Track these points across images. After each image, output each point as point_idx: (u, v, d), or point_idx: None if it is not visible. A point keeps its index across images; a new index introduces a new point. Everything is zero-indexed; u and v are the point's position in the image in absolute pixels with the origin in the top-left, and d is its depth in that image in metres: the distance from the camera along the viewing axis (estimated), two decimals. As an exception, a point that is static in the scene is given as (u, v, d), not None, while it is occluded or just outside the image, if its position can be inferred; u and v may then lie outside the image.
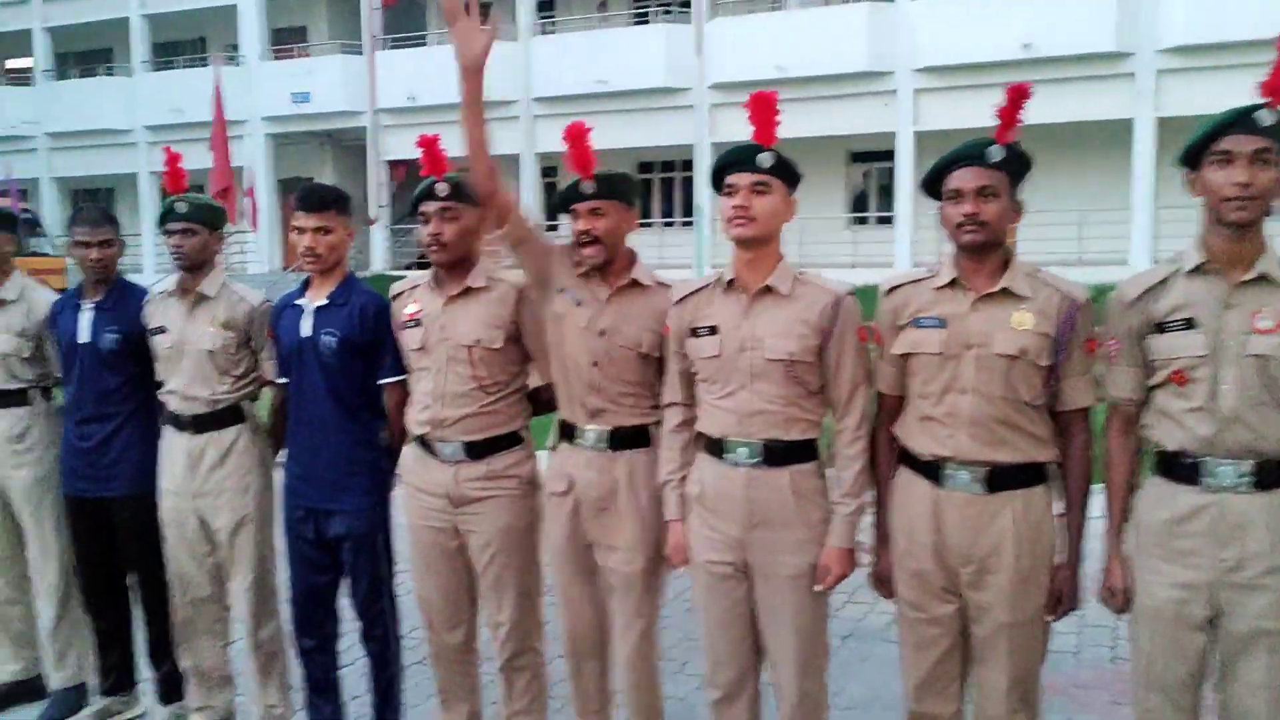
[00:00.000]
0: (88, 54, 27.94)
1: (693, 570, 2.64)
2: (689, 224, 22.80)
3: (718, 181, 2.54)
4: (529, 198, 21.44)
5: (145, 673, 3.69)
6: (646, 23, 22.11)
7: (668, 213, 22.81)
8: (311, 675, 3.28)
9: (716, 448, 2.53)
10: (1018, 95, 2.36)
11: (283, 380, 3.17)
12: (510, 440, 2.88)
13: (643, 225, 22.87)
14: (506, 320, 2.85)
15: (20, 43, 27.29)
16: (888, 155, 20.79)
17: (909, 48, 18.45)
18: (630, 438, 2.74)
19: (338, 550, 3.13)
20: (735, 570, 2.55)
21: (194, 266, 3.24)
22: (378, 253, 23.36)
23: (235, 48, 25.30)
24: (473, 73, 2.78)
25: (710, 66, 19.46)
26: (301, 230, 3.01)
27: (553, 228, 23.33)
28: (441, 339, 2.84)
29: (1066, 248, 17.01)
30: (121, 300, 3.42)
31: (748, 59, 18.54)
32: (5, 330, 3.54)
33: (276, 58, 24.24)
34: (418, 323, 2.89)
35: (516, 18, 21.77)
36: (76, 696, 3.73)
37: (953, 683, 2.48)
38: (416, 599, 3.07)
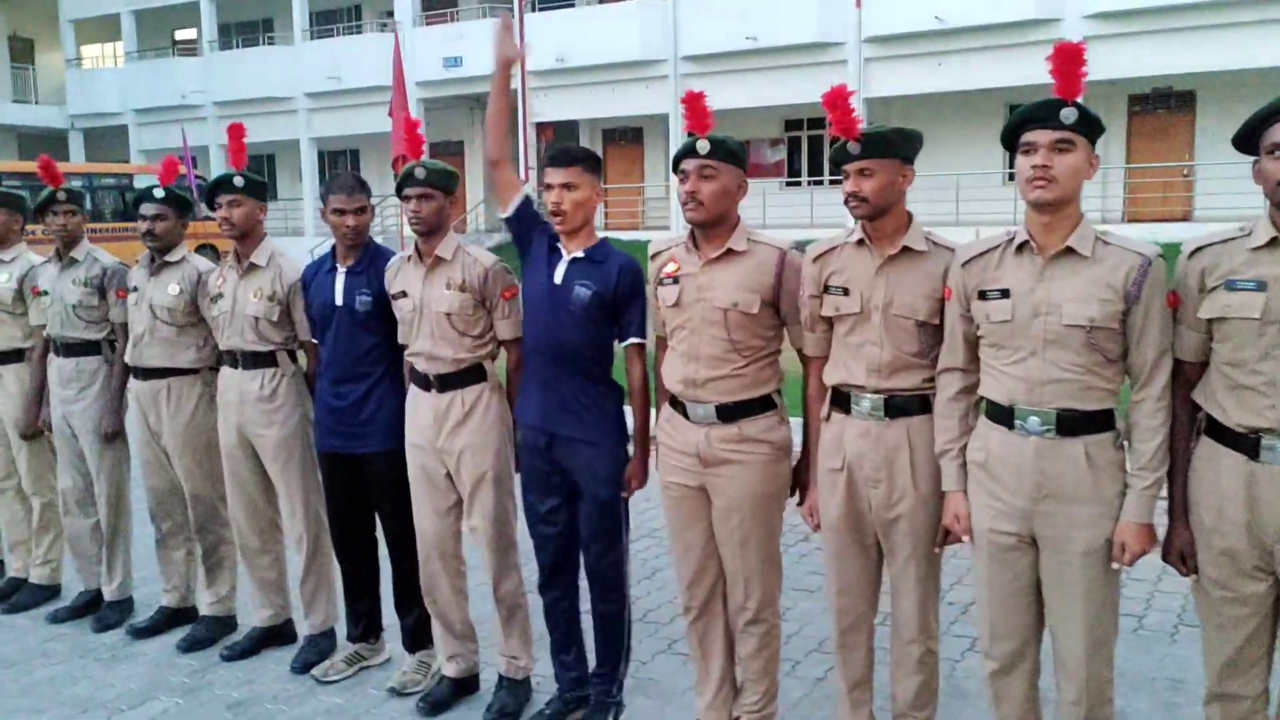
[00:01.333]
0: (249, 24, 29.06)
1: (974, 540, 2.57)
2: (838, 182, 22.35)
3: (1012, 139, 2.43)
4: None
5: (390, 620, 3.86)
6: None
7: (815, 171, 22.38)
8: (555, 627, 3.37)
9: (1004, 415, 2.45)
10: None
11: (515, 338, 3.25)
12: (762, 405, 2.86)
13: (790, 184, 22.60)
14: (766, 285, 2.81)
15: (188, 14, 28.58)
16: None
17: (1078, -7, 17.54)
18: (906, 406, 2.68)
19: (578, 505, 3.18)
20: (1020, 541, 2.48)
21: (430, 231, 3.33)
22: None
23: (390, 14, 25.90)
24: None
25: (864, 19, 18.89)
26: (549, 186, 3.07)
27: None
28: (698, 299, 2.83)
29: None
30: (373, 264, 3.54)
31: (906, 10, 17.96)
32: (256, 294, 3.72)
33: (428, 23, 24.69)
34: (675, 280, 2.89)
35: (665, -25, 21.62)
36: (326, 641, 3.93)
37: (1259, 663, 2.36)
38: (671, 556, 3.10)
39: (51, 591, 4.58)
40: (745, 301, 2.80)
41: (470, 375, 3.33)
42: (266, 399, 3.76)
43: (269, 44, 28.01)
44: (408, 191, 3.29)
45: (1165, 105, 19.13)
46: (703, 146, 2.77)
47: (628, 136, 24.63)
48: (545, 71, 22.63)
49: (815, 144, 22.57)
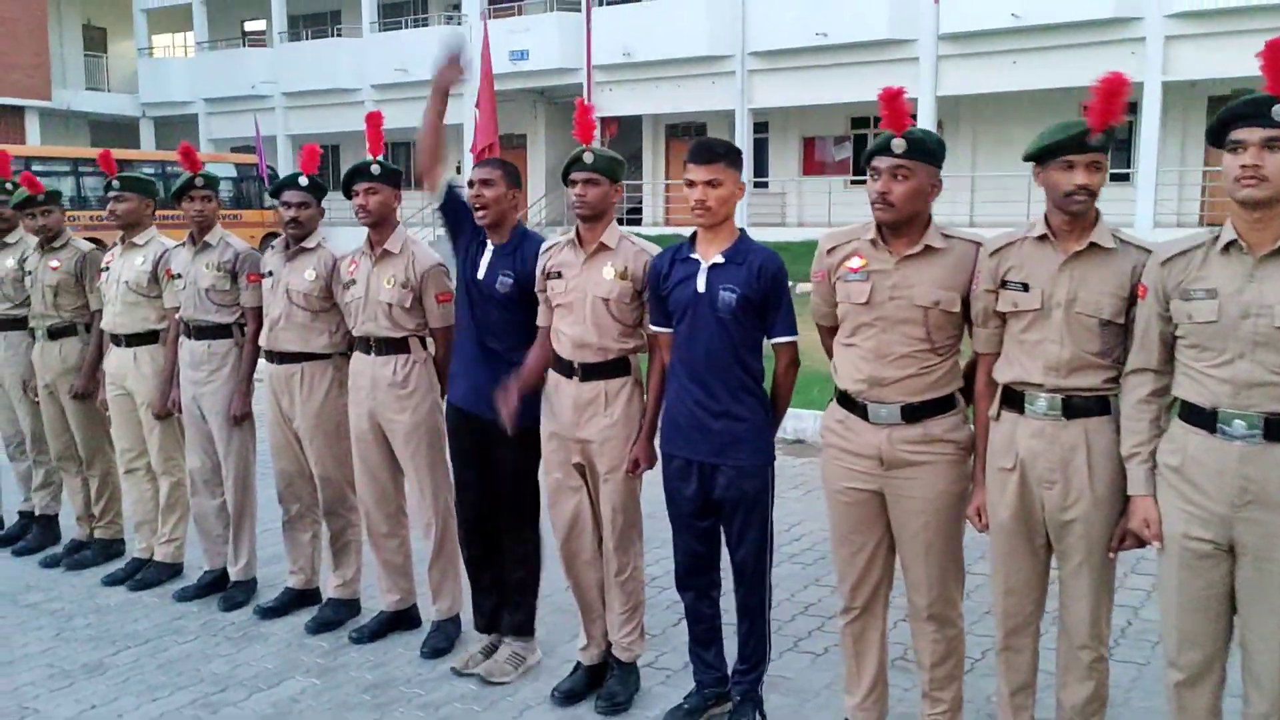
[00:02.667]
0: (317, 16, 29.38)
1: (1164, 546, 2.51)
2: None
3: (1219, 137, 2.37)
4: (745, 149, 21.22)
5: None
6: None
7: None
8: (693, 626, 3.35)
9: (1205, 419, 2.39)
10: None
11: (666, 330, 3.20)
12: (947, 404, 2.81)
13: (855, 183, 22.41)
14: (963, 283, 2.76)
15: (257, 5, 28.97)
16: (1127, 108, 19.57)
17: (1158, -8, 17.20)
18: (1085, 406, 2.62)
19: (720, 506, 3.16)
20: (1216, 549, 2.41)
21: (595, 216, 3.31)
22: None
23: (456, 8, 26.06)
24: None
25: (942, 15, 18.66)
26: (693, 183, 3.02)
27: (761, 183, 23.10)
28: (891, 297, 2.79)
29: None
30: (520, 246, 3.54)
31: (981, 7, 17.72)
32: (390, 281, 3.74)
33: (494, 16, 24.78)
34: (865, 276, 2.84)
35: (734, -30, 21.54)
36: (453, 627, 3.95)
37: None
38: (834, 563, 3.07)
39: (175, 570, 4.66)
40: (947, 300, 2.75)
41: (616, 367, 3.33)
42: (399, 385, 3.78)
43: (336, 35, 28.29)
44: (574, 176, 3.28)
45: (1246, 107, 18.69)
46: (898, 145, 2.70)
47: (691, 132, 24.55)
48: (611, 66, 22.66)
49: (881, 142, 22.34)
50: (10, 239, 4.93)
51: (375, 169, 3.76)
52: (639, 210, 24.55)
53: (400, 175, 3.88)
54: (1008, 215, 18.76)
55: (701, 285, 3.05)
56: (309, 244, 4.02)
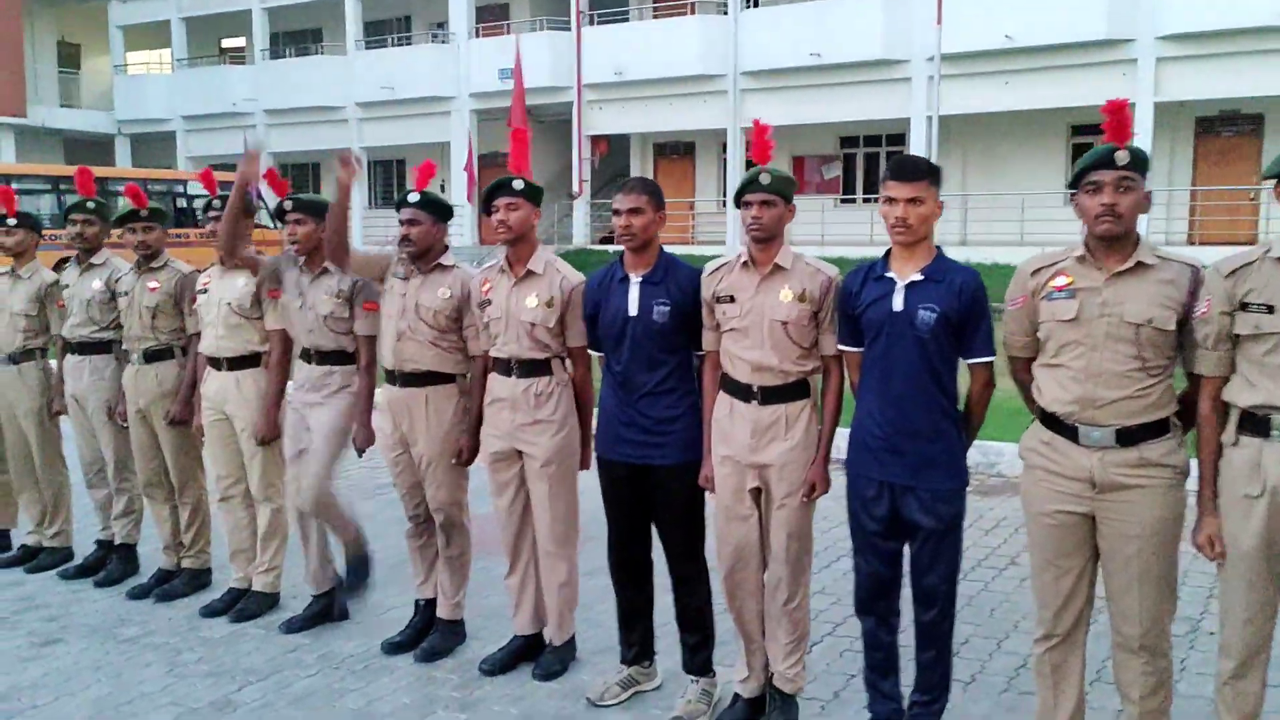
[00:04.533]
0: (298, 33, 29.15)
1: None
2: (890, 200, 22.27)
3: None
4: (736, 168, 21.34)
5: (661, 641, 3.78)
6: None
7: (871, 189, 22.32)
8: (870, 653, 3.28)
9: None
10: None
11: (855, 350, 3.16)
12: (1162, 427, 2.77)
13: (844, 201, 22.55)
14: (1179, 302, 2.73)
15: (237, 22, 28.68)
16: (1116, 128, 19.87)
17: (1150, 13, 17.50)
18: None
19: (912, 530, 3.09)
20: None
21: (770, 238, 3.25)
22: (578, 227, 23.69)
23: (441, 25, 25.97)
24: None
25: (929, 38, 18.83)
26: (893, 200, 2.97)
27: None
28: (1101, 314, 2.75)
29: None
30: (670, 273, 3.46)
31: (974, 28, 17.92)
32: (534, 301, 3.65)
33: (482, 35, 24.74)
34: (1072, 294, 2.79)
35: (725, -10, 21.69)
36: (568, 651, 3.90)
37: None
38: (1034, 588, 3.01)
39: (272, 600, 4.51)
40: (1161, 318, 2.70)
41: (796, 390, 3.27)
42: (539, 408, 3.69)
43: (319, 53, 28.08)
44: (750, 197, 3.22)
45: (1233, 128, 19.08)
46: (1122, 157, 2.67)
47: (679, 150, 24.64)
48: (602, 85, 22.68)
49: (871, 161, 22.54)
50: (96, 259, 4.77)
51: (518, 184, 3.67)
52: (627, 229, 24.51)
53: (541, 193, 3.79)
54: (998, 235, 19.02)
55: (899, 304, 3.00)
56: (446, 261, 3.92)
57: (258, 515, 4.45)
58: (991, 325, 3.04)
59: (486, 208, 3.73)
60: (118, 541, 4.95)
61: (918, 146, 19.77)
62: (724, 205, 22.19)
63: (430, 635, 4.09)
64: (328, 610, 4.34)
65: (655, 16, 23.61)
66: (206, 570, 4.80)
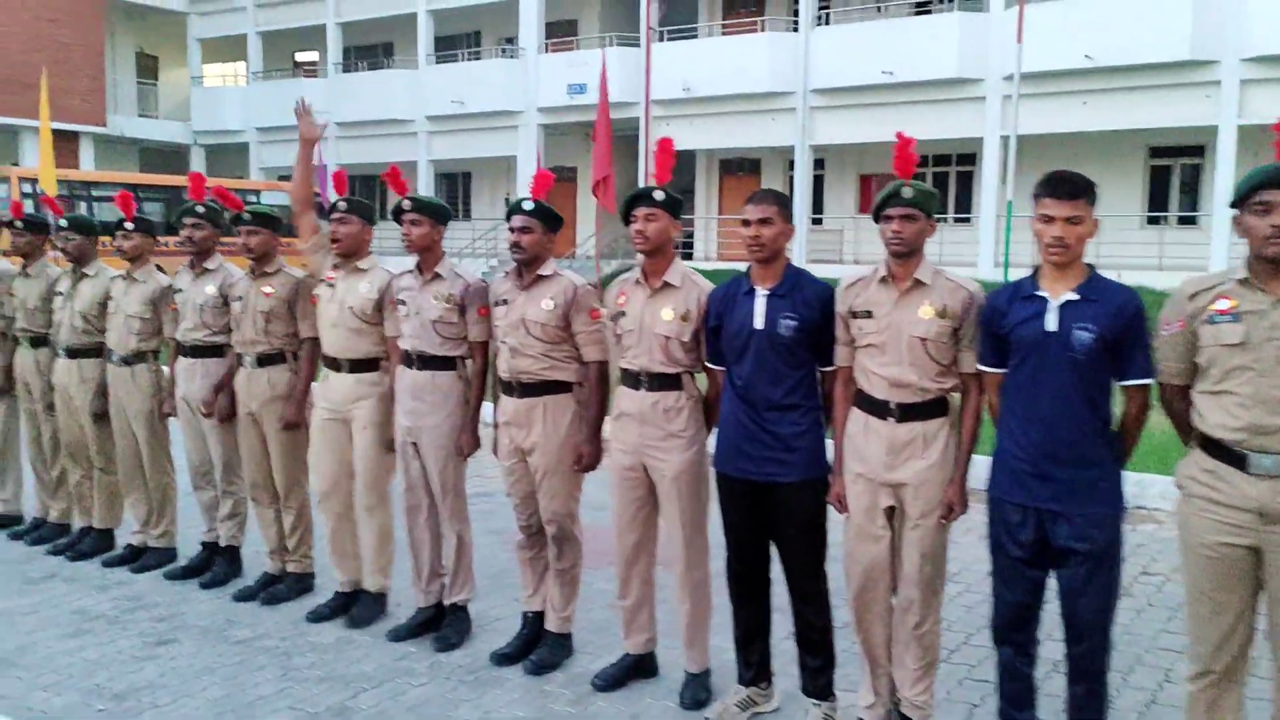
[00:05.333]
0: (368, 48, 29.60)
1: None
2: (962, 220, 22.05)
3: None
4: (801, 189, 21.23)
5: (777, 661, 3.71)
6: (929, 12, 21.52)
7: (939, 208, 22.05)
8: (1007, 684, 3.17)
9: None
10: None
11: (996, 370, 3.09)
12: None
13: (913, 220, 22.26)
14: None
15: (311, 36, 29.21)
16: (1195, 151, 19.47)
17: (1236, 35, 17.12)
18: None
19: (1062, 557, 2.98)
20: None
21: (911, 252, 3.19)
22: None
23: (510, 41, 26.22)
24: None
25: (1011, 55, 18.56)
26: (1050, 219, 2.88)
27: (817, 219, 23.01)
28: (1272, 338, 2.64)
29: None
30: (798, 286, 3.40)
31: (1054, 47, 17.61)
32: (670, 314, 3.60)
33: (552, 50, 24.91)
34: (1237, 317, 2.70)
35: (799, 9, 21.63)
36: (708, 680, 3.78)
37: None
38: (1189, 622, 2.90)
39: (381, 603, 4.50)
40: None
41: (933, 408, 3.19)
42: (669, 422, 3.64)
43: (388, 67, 28.49)
44: (890, 211, 3.15)
45: (1319, 151, 18.57)
46: None
47: (745, 167, 24.58)
48: (669, 100, 22.68)
49: (939, 180, 22.30)
50: (209, 264, 4.83)
51: (659, 194, 3.62)
52: (690, 245, 24.51)
53: (681, 204, 3.75)
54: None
55: (1052, 323, 2.91)
56: (544, 271, 3.90)
57: (368, 520, 4.45)
58: (1151, 347, 2.94)
59: (626, 218, 3.71)
60: (223, 543, 4.99)
61: (991, 166, 19.53)
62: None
63: (539, 648, 4.06)
64: (434, 620, 4.32)
65: (724, 33, 23.60)
66: (310, 574, 4.82)
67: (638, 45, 23.15)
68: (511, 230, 3.89)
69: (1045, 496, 2.96)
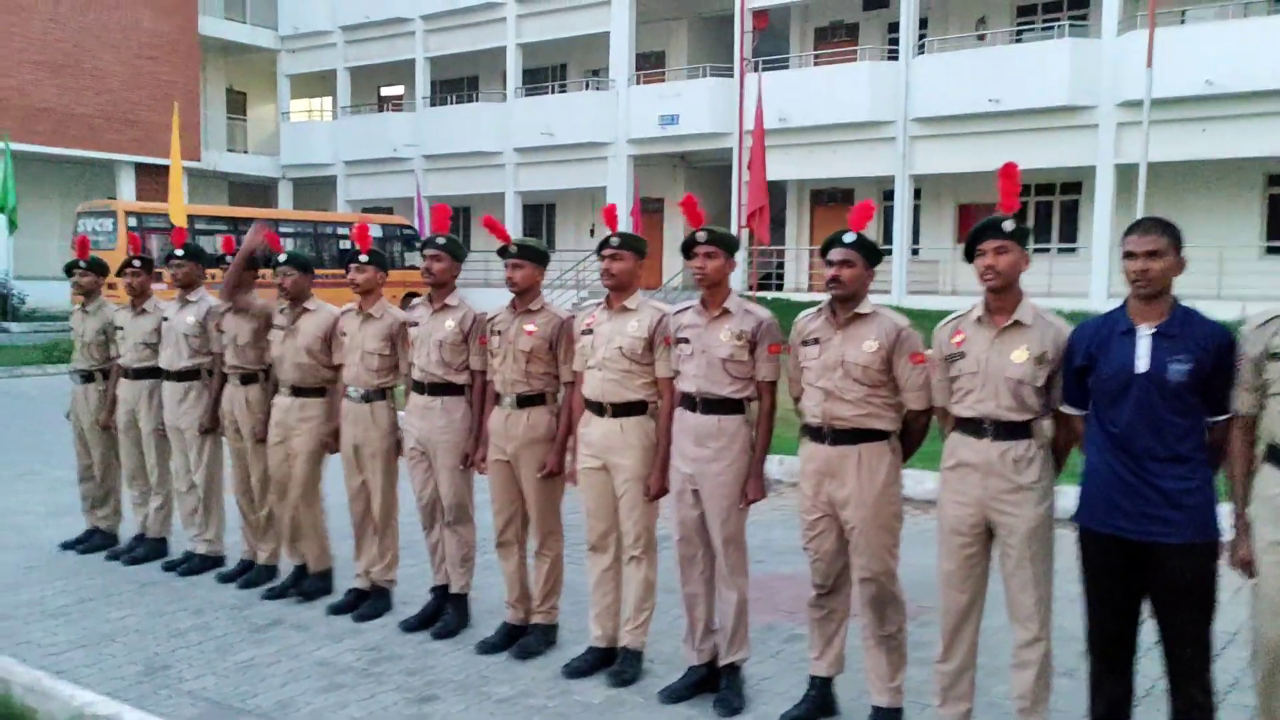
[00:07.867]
0: (453, 82, 29.87)
1: None
2: (1066, 250, 21.49)
3: None
4: (904, 216, 20.85)
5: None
6: (1023, 39, 21.12)
7: (1042, 238, 21.56)
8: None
9: None
10: None
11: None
12: None
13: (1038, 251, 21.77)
14: None
15: (397, 72, 29.53)
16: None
17: (1367, 58, 16.53)
18: None
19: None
20: None
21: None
22: (738, 272, 23.40)
23: (595, 73, 26.26)
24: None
25: (1126, 81, 18.10)
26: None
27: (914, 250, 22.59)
28: None
29: None
30: (1188, 326, 3.08)
31: (1179, 73, 17.10)
32: (1025, 354, 3.31)
33: (644, 82, 24.86)
34: None
35: (897, 38, 21.37)
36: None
37: None
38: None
39: (639, 659, 4.23)
40: None
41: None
42: (1020, 473, 3.32)
43: (473, 100, 28.68)
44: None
45: None
46: None
47: (837, 198, 24.26)
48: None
49: (1043, 210, 21.81)
50: (450, 300, 4.64)
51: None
52: (781, 276, 24.22)
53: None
54: (1191, 288, 18.06)
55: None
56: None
57: (634, 569, 4.18)
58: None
59: (969, 253, 3.45)
60: (453, 590, 4.75)
61: (1105, 195, 19.00)
62: (888, 253, 21.64)
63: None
64: (707, 680, 4.03)
65: (817, 63, 23.40)
66: (554, 627, 4.56)
67: (730, 75, 22.98)
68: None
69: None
